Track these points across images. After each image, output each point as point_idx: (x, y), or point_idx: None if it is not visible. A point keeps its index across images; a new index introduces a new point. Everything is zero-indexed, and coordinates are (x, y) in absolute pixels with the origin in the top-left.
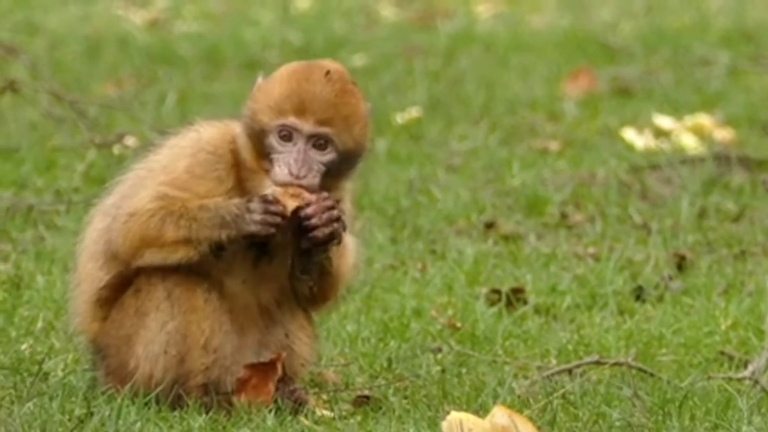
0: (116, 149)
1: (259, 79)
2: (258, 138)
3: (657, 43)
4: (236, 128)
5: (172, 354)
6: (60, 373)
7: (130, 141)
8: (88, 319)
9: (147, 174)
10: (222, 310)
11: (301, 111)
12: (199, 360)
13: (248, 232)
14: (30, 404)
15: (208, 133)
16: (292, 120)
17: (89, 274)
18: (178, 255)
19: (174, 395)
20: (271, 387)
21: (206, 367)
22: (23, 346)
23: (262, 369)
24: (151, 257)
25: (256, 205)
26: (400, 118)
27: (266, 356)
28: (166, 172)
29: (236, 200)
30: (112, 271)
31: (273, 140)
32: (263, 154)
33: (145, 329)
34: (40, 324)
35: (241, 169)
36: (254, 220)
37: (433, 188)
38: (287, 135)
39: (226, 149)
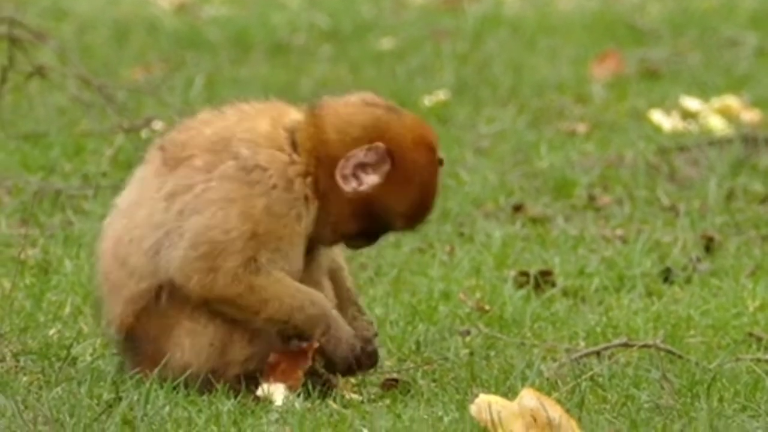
0: (144, 134)
1: (380, 153)
2: (373, 223)
3: (684, 24)
4: (286, 146)
5: (216, 346)
6: (88, 358)
7: (158, 125)
8: (124, 316)
9: (210, 205)
10: None
11: (423, 219)
12: (240, 352)
13: (341, 357)
14: (58, 389)
15: (275, 164)
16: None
17: (124, 285)
18: (256, 324)
19: (203, 379)
20: (300, 373)
21: (246, 359)
22: (51, 331)
23: (293, 356)
24: (219, 308)
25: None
26: (427, 101)
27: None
28: (244, 217)
29: (350, 330)
30: (155, 285)
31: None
32: (357, 229)
33: (193, 321)
34: (68, 309)
35: (323, 202)
36: (356, 355)
37: (461, 171)
38: None
39: (302, 184)
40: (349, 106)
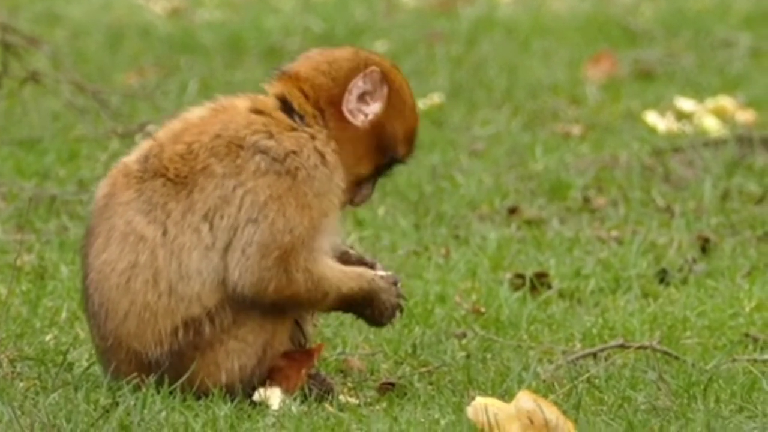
0: (138, 138)
1: (376, 76)
2: (383, 155)
3: (678, 25)
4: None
5: (251, 365)
6: (84, 363)
7: (153, 130)
8: (163, 338)
9: (262, 209)
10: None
11: (415, 143)
12: (264, 367)
13: (388, 317)
14: (55, 395)
15: (301, 143)
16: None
17: (171, 311)
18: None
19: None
20: (304, 376)
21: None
22: (48, 337)
23: (298, 358)
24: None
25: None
26: (422, 104)
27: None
28: (301, 208)
29: (388, 287)
30: (208, 309)
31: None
32: (372, 167)
33: (238, 341)
34: (64, 314)
35: (343, 154)
36: (398, 305)
37: (456, 174)
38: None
39: (330, 153)
40: (319, 53)
